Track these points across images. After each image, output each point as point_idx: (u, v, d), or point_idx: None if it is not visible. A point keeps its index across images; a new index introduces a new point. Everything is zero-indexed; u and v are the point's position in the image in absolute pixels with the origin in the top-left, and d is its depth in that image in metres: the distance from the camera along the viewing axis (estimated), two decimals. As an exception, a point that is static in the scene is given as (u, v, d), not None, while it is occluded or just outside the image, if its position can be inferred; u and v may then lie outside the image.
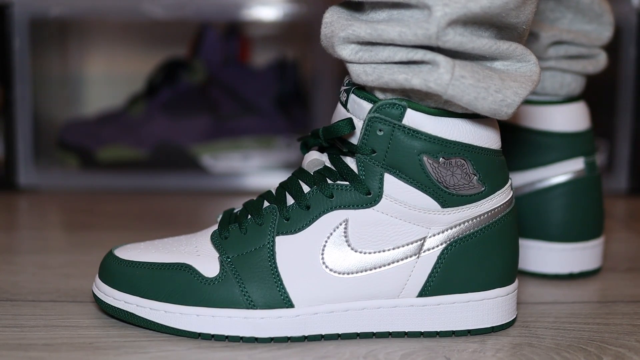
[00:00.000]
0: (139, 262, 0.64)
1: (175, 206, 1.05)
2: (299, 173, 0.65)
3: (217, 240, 0.64)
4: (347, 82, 0.63)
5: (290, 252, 0.62)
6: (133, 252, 0.65)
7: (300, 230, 0.62)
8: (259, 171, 1.19)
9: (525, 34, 0.62)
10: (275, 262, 0.62)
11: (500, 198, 0.63)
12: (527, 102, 0.79)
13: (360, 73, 0.60)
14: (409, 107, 0.60)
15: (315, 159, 0.64)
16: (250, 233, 0.63)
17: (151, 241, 0.68)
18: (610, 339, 0.64)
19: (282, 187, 0.65)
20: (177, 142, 1.22)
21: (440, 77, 0.58)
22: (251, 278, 0.62)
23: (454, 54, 0.59)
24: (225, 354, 0.60)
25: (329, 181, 0.63)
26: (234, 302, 0.62)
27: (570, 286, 0.77)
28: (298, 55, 1.32)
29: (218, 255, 0.63)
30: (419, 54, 0.58)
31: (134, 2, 1.15)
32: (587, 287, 0.78)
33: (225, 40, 1.27)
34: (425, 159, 0.60)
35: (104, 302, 0.65)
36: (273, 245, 0.62)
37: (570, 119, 0.77)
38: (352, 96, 0.62)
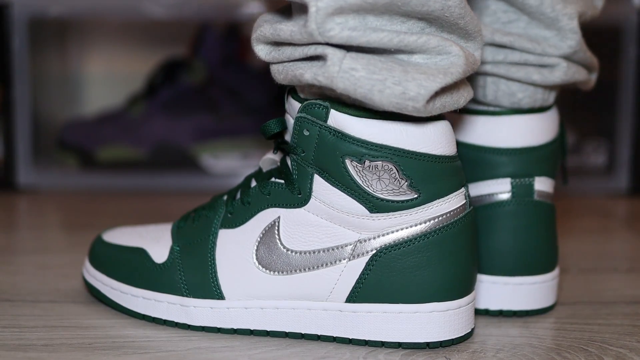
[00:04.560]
0: (110, 244, 0.69)
1: (175, 206, 1.05)
2: (257, 171, 0.65)
3: (174, 230, 0.67)
4: None
5: (228, 246, 0.63)
6: (113, 234, 0.70)
7: (239, 225, 0.63)
8: (258, 171, 1.19)
9: (467, 24, 0.57)
10: (214, 254, 0.64)
11: (443, 207, 0.60)
12: (471, 112, 0.70)
13: (275, 72, 0.61)
14: (333, 109, 0.59)
15: (269, 157, 0.64)
16: (199, 224, 0.65)
17: (137, 226, 0.72)
18: (611, 339, 0.64)
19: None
20: (177, 142, 1.22)
21: (327, 69, 0.56)
22: (191, 267, 0.64)
23: (359, 48, 0.57)
24: (225, 354, 0.60)
25: (273, 179, 0.63)
26: (173, 289, 0.64)
27: (570, 286, 0.77)
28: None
29: (171, 243, 0.66)
30: (311, 49, 0.57)
31: (134, 2, 1.15)
32: (588, 287, 0.78)
33: (225, 40, 1.27)
34: (348, 161, 0.59)
35: (83, 275, 0.70)
36: (215, 238, 0.64)
37: (485, 133, 0.69)
38: (288, 96, 0.62)
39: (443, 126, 0.60)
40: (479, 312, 0.68)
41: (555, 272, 0.71)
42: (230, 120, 1.24)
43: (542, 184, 0.69)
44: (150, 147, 1.21)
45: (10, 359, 0.59)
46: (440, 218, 0.60)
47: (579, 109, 1.20)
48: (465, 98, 0.60)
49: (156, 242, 0.67)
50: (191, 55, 1.28)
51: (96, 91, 1.37)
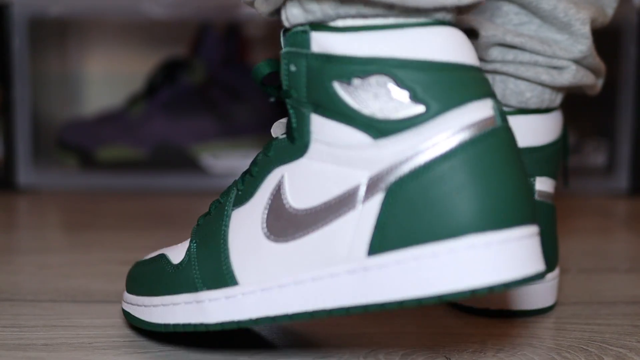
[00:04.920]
0: (139, 261, 0.65)
1: (175, 206, 1.05)
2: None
3: (194, 229, 0.61)
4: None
5: (239, 224, 0.57)
6: (149, 254, 0.65)
7: (249, 199, 0.57)
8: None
9: None
10: (227, 238, 0.57)
11: (461, 119, 0.50)
12: None
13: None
14: (313, 30, 0.52)
15: (279, 122, 0.58)
16: (214, 213, 0.59)
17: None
18: (611, 339, 0.64)
19: None
20: (177, 142, 1.22)
21: None
22: (204, 258, 0.58)
23: None
24: (225, 354, 0.60)
25: (278, 137, 0.56)
26: (189, 286, 0.58)
27: (570, 287, 0.77)
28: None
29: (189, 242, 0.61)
30: None
31: (134, 2, 1.15)
32: (588, 287, 0.78)
33: (225, 40, 1.27)
34: (336, 84, 0.51)
35: (122, 307, 0.64)
36: (228, 220, 0.57)
37: None
38: (282, 37, 0.55)
39: (448, 31, 0.51)
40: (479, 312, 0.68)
41: (555, 272, 0.71)
42: (230, 120, 1.24)
43: (543, 184, 0.69)
44: (150, 147, 1.21)
45: (10, 359, 0.59)
46: (460, 134, 0.50)
47: (579, 109, 1.20)
48: None
49: (177, 245, 0.62)
50: (191, 55, 1.28)
51: (96, 91, 1.37)
